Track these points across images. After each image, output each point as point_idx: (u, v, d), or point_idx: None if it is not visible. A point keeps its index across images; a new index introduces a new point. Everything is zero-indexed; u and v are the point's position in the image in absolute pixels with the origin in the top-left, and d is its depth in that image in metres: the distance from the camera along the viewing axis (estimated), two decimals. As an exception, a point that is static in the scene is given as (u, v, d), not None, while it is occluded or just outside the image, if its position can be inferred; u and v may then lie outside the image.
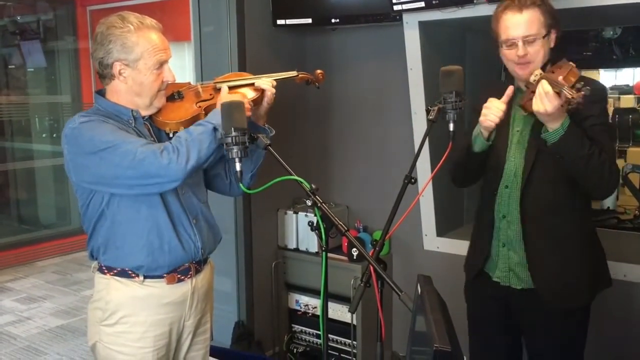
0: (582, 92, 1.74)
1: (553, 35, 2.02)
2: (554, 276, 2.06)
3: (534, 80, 1.88)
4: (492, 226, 2.15)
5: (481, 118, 2.00)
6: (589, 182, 1.96)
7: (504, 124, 2.05)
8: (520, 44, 1.98)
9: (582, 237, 2.10)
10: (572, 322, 2.11)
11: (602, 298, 2.68)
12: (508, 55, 2.03)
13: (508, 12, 2.01)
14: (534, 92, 1.88)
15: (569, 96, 1.75)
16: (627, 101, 6.93)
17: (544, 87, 1.83)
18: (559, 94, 1.79)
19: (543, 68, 1.98)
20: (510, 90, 1.99)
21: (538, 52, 1.99)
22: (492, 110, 1.98)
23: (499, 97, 2.04)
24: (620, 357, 2.76)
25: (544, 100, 1.82)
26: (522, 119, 2.09)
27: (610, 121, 2.08)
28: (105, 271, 1.93)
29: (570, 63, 1.98)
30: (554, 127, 1.89)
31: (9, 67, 6.43)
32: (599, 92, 2.01)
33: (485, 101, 2.04)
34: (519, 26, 1.98)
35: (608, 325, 2.75)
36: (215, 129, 1.83)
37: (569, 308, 2.08)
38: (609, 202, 3.72)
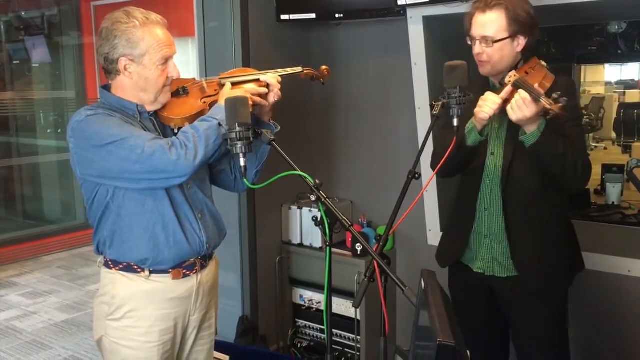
0: (560, 104, 1.80)
1: (521, 41, 2.06)
2: (537, 263, 2.14)
3: (508, 81, 1.92)
4: (473, 218, 2.20)
5: (476, 109, 2.02)
6: (564, 177, 2.04)
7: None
8: (477, 43, 2.07)
9: (560, 224, 2.20)
10: (552, 306, 2.19)
11: (605, 293, 2.69)
12: (473, 51, 2.11)
13: (476, 11, 2.09)
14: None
15: (547, 107, 1.82)
16: (633, 96, 6.89)
17: (522, 95, 1.88)
18: (536, 101, 1.85)
19: (515, 67, 2.06)
20: (508, 87, 1.98)
21: (495, 53, 2.05)
22: (488, 103, 1.99)
23: (483, 87, 2.12)
24: (620, 351, 2.76)
25: (523, 108, 1.88)
26: (498, 116, 2.12)
27: (580, 116, 2.18)
28: (111, 266, 1.94)
29: (542, 63, 2.08)
30: (531, 130, 1.95)
31: (14, 62, 6.44)
32: (570, 87, 2.09)
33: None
34: (480, 26, 2.06)
35: (611, 321, 2.75)
36: (220, 125, 1.83)
37: (551, 290, 2.16)
38: (613, 197, 3.71)
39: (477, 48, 2.07)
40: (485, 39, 2.05)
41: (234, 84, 2.02)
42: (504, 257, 2.17)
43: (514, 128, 2.03)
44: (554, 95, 1.82)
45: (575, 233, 2.27)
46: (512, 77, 1.91)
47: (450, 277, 2.36)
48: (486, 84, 2.18)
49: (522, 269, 2.15)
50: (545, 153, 1.98)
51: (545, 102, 1.82)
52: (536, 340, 2.20)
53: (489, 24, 2.04)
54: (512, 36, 2.04)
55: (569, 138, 2.00)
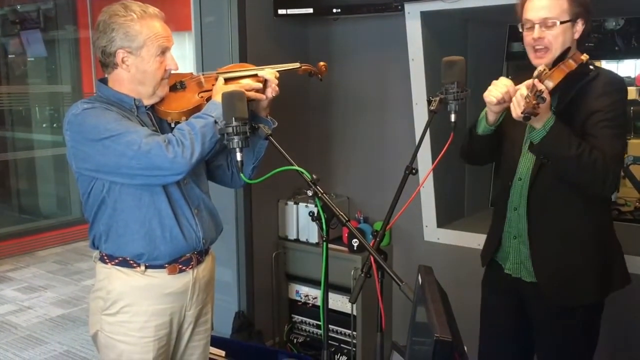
0: (536, 102, 1.70)
1: (579, 26, 1.94)
2: (557, 272, 2.03)
3: (536, 76, 1.82)
4: (505, 217, 2.13)
5: (485, 93, 1.94)
6: (581, 182, 1.91)
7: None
8: (537, 26, 1.92)
9: (589, 234, 2.03)
10: (576, 320, 2.05)
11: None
12: (526, 39, 1.97)
13: None
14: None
15: (525, 105, 1.73)
16: (630, 93, 6.91)
17: (521, 91, 1.80)
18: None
19: (560, 59, 1.92)
20: (536, 72, 1.87)
21: (557, 38, 1.91)
22: (497, 86, 1.91)
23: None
24: (619, 347, 2.76)
25: (521, 104, 1.79)
26: None
27: (619, 115, 1.90)
28: (107, 260, 1.94)
29: (579, 57, 1.92)
30: (537, 127, 1.87)
31: (9, 56, 6.41)
32: (610, 85, 1.94)
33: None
34: (539, 8, 1.92)
35: (609, 317, 2.75)
36: (216, 122, 1.82)
37: (573, 305, 2.03)
38: (609, 194, 3.72)
39: (537, 32, 1.90)
40: (546, 22, 1.90)
41: (230, 79, 2.01)
42: (529, 261, 2.07)
43: None
44: (539, 93, 1.72)
45: (616, 245, 2.10)
46: (540, 71, 1.81)
47: (487, 274, 2.27)
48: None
49: (540, 276, 2.04)
50: (551, 153, 1.88)
51: (527, 99, 1.73)
52: (555, 351, 2.11)
53: (552, 5, 1.89)
54: (574, 19, 1.91)
55: (595, 139, 1.86)
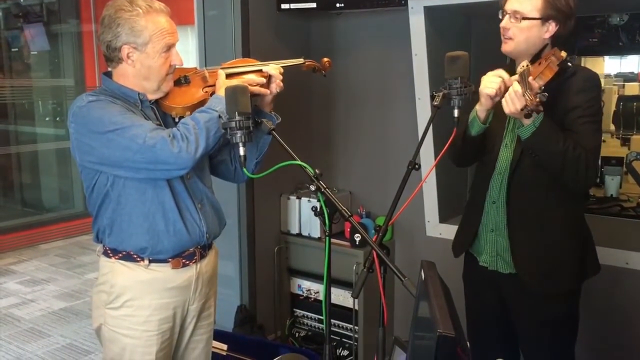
0: (538, 99, 1.75)
1: (551, 27, 1.99)
2: (535, 261, 2.08)
3: (519, 72, 1.85)
4: (482, 210, 2.16)
5: (481, 87, 1.97)
6: (564, 176, 1.96)
7: (501, 110, 2.01)
8: (507, 16, 2.00)
9: (566, 224, 2.09)
10: (556, 307, 2.11)
11: (604, 285, 2.69)
12: (501, 24, 2.04)
13: None
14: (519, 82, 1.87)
15: (526, 102, 1.77)
16: (632, 89, 6.87)
17: (514, 87, 1.83)
18: (524, 94, 1.79)
19: (537, 56, 1.98)
20: (519, 68, 1.91)
21: (521, 32, 1.98)
22: (492, 79, 1.95)
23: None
24: (619, 344, 2.77)
25: (514, 101, 1.83)
26: None
27: (598, 111, 2.02)
28: (110, 255, 1.94)
29: (560, 54, 1.98)
30: (526, 123, 1.91)
31: (12, 50, 6.41)
32: (588, 81, 2.01)
33: None
34: (514, 0, 1.99)
35: (609, 313, 2.76)
36: (220, 117, 1.83)
37: (552, 293, 2.08)
38: (612, 190, 3.71)
39: (505, 22, 2.00)
40: (515, 14, 1.97)
41: (234, 75, 2.01)
42: (507, 253, 2.11)
43: None
44: (537, 90, 1.77)
45: (589, 235, 2.17)
46: (522, 67, 1.84)
47: (464, 268, 2.32)
48: (511, 73, 2.07)
49: (519, 267, 2.09)
50: (540, 149, 1.93)
51: (527, 97, 1.76)
52: (536, 342, 2.14)
53: (525, 0, 1.97)
54: (544, 19, 1.96)
55: (577, 135, 1.93)
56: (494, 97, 1.95)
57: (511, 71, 2.01)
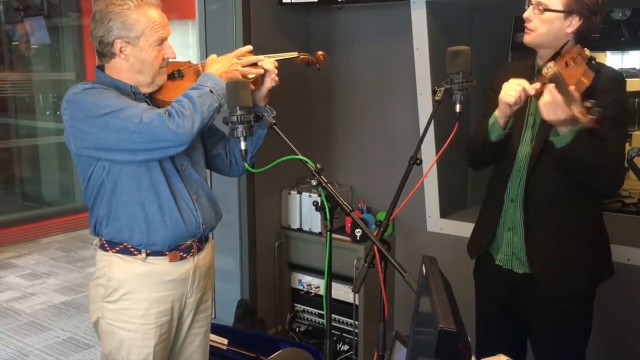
0: (592, 116, 1.66)
1: (575, 21, 1.93)
2: (550, 262, 2.04)
3: (546, 73, 1.79)
4: (501, 209, 2.13)
5: (501, 95, 1.93)
6: (593, 181, 1.95)
7: (521, 107, 1.99)
8: (530, 7, 1.96)
9: (584, 225, 2.06)
10: (570, 309, 2.08)
11: (605, 282, 2.69)
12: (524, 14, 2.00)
13: None
14: (544, 84, 1.82)
15: (578, 116, 1.68)
16: (634, 84, 6.86)
17: (555, 97, 1.76)
18: (568, 105, 1.72)
19: (557, 54, 1.93)
20: (545, 69, 1.84)
21: (543, 24, 1.94)
22: (513, 87, 1.91)
23: (527, 71, 2.02)
24: (623, 341, 2.77)
25: (556, 110, 1.77)
26: (536, 103, 2.03)
27: (622, 112, 1.93)
28: (108, 248, 1.94)
29: (586, 53, 1.93)
30: (564, 132, 1.85)
31: (13, 43, 6.39)
32: (613, 82, 1.96)
33: (501, 79, 1.99)
34: None
35: (610, 310, 2.75)
36: (211, 92, 1.83)
37: (566, 294, 2.05)
38: (613, 186, 3.72)
39: (528, 13, 1.95)
40: (539, 5, 1.93)
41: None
42: (522, 252, 2.08)
43: (545, 121, 1.90)
44: (587, 104, 1.67)
45: (606, 236, 2.13)
46: (549, 68, 1.77)
47: (477, 265, 2.29)
48: (530, 67, 2.06)
49: (534, 267, 2.06)
50: (574, 159, 1.88)
51: (576, 111, 1.68)
52: (550, 341, 2.12)
53: None
54: (567, 12, 1.92)
55: (603, 140, 1.87)
56: (512, 105, 1.92)
57: (530, 68, 1.99)
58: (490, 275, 2.21)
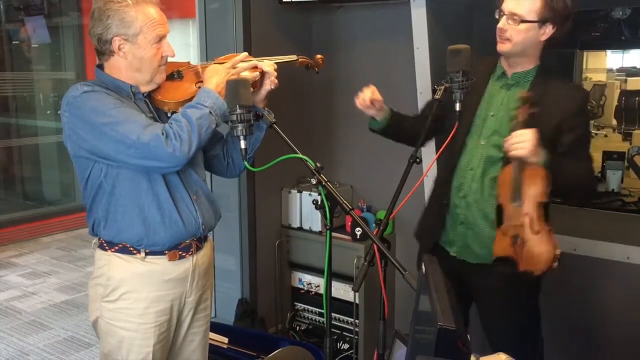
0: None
1: (548, 30, 1.99)
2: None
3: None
4: (448, 204, 2.16)
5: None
6: (570, 194, 2.09)
7: (472, 101, 2.06)
8: (504, 18, 1.99)
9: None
10: (523, 297, 2.15)
11: (604, 280, 2.70)
12: (498, 24, 2.03)
13: None
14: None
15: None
16: (635, 83, 6.86)
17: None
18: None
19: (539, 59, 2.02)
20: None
21: (518, 34, 1.98)
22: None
23: (487, 70, 2.11)
24: (620, 339, 2.77)
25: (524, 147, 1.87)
26: (500, 107, 2.08)
27: (588, 128, 2.15)
28: (106, 247, 1.94)
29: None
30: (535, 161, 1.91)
31: (13, 42, 6.40)
32: (585, 102, 2.07)
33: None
34: (513, 1, 1.99)
35: (610, 307, 2.76)
36: (210, 113, 1.82)
37: (520, 282, 2.08)
38: (613, 185, 3.71)
39: (502, 23, 1.99)
40: (513, 16, 1.97)
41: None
42: (477, 245, 2.13)
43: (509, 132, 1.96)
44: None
45: (552, 224, 2.16)
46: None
47: (421, 253, 2.32)
48: (490, 71, 2.12)
49: (490, 256, 2.10)
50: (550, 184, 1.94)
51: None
52: (503, 332, 2.17)
53: (523, 2, 1.96)
54: (542, 22, 1.97)
55: (579, 157, 2.00)
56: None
57: (490, 72, 2.09)
58: (443, 267, 2.23)
